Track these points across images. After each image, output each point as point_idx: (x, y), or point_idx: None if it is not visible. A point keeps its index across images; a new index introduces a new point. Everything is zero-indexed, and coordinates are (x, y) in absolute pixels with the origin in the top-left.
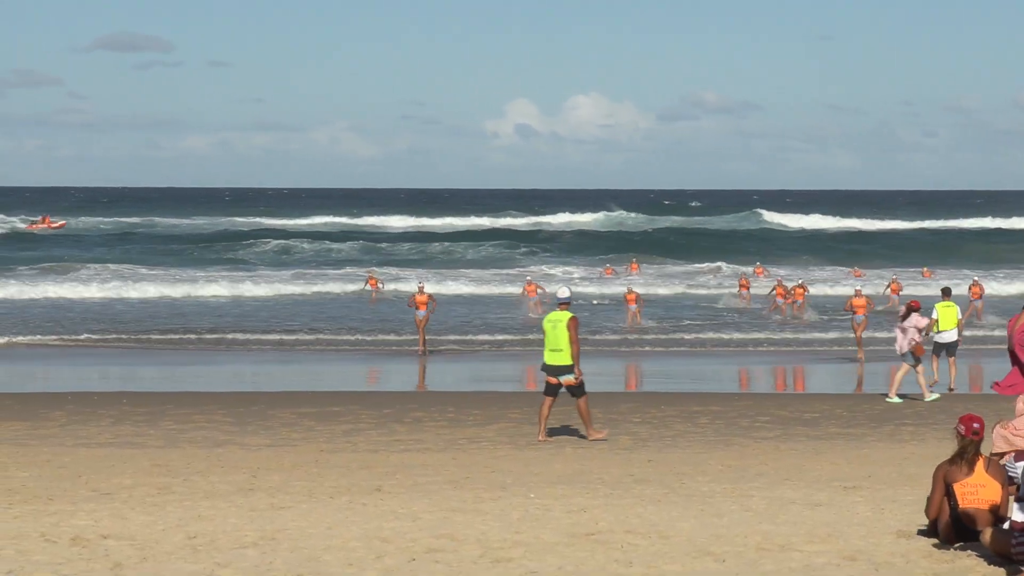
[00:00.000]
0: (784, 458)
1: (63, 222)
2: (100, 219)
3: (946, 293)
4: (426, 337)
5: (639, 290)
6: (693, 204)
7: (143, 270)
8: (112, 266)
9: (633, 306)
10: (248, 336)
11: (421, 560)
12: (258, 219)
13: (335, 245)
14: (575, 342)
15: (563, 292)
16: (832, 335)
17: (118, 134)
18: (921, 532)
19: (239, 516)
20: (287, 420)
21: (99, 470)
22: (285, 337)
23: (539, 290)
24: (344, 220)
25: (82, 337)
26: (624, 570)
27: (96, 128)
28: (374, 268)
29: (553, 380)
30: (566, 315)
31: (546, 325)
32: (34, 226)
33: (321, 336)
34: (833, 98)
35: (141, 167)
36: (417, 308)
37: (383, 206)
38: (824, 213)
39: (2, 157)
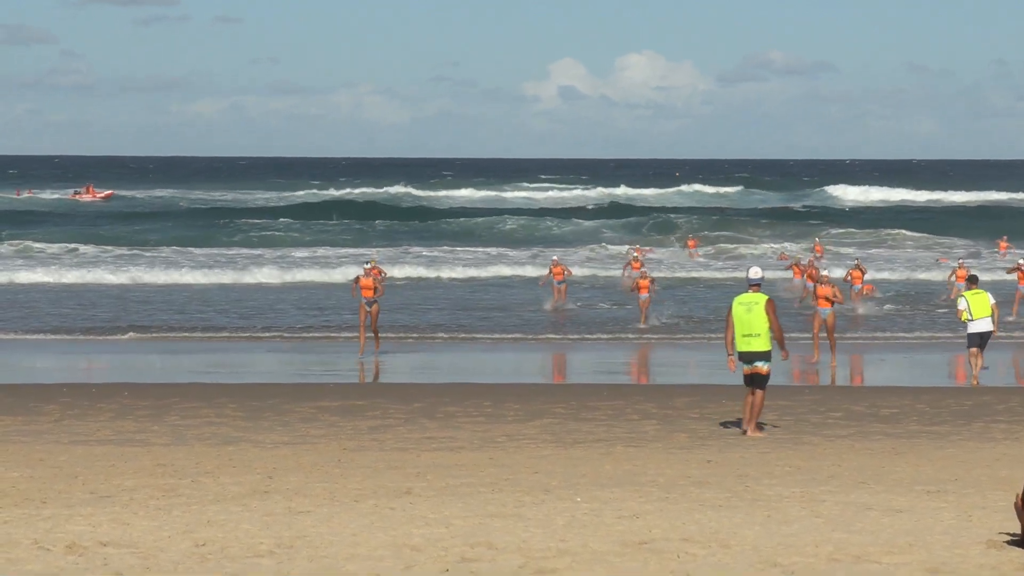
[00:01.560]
0: (859, 459)
1: (110, 192)
2: (136, 192)
3: (972, 280)
4: (378, 331)
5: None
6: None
7: (300, 253)
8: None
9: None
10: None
11: (455, 571)
12: (356, 189)
13: (478, 220)
14: (778, 326)
15: (755, 272)
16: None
17: (118, 98)
18: (1013, 542)
19: (252, 522)
20: (306, 415)
21: (98, 470)
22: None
23: (566, 272)
24: (418, 192)
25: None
26: None
27: (93, 91)
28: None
29: (747, 370)
30: (762, 297)
31: (738, 309)
32: (78, 196)
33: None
34: (916, 57)
35: (145, 134)
36: (362, 295)
37: (432, 176)
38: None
39: None
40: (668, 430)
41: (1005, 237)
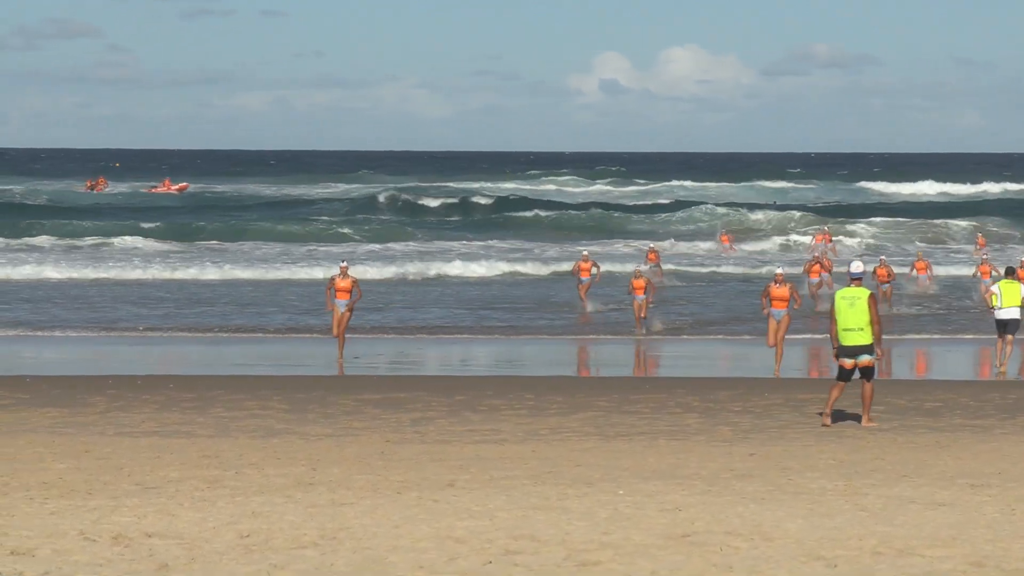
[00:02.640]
0: (902, 452)
1: (184, 184)
2: (208, 185)
3: (1010, 272)
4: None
5: None
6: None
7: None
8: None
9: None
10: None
11: (498, 563)
12: (472, 183)
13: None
14: (878, 320)
15: (856, 267)
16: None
17: (164, 91)
18: None
19: (297, 513)
20: (349, 408)
21: (143, 461)
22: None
23: (594, 269)
24: (526, 186)
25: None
26: (723, 575)
27: (139, 84)
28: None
29: (849, 364)
30: (865, 291)
31: (840, 303)
32: (155, 190)
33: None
34: (959, 50)
35: (191, 127)
36: (336, 297)
37: (514, 170)
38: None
39: (38, 116)
40: (711, 423)
41: (980, 235)
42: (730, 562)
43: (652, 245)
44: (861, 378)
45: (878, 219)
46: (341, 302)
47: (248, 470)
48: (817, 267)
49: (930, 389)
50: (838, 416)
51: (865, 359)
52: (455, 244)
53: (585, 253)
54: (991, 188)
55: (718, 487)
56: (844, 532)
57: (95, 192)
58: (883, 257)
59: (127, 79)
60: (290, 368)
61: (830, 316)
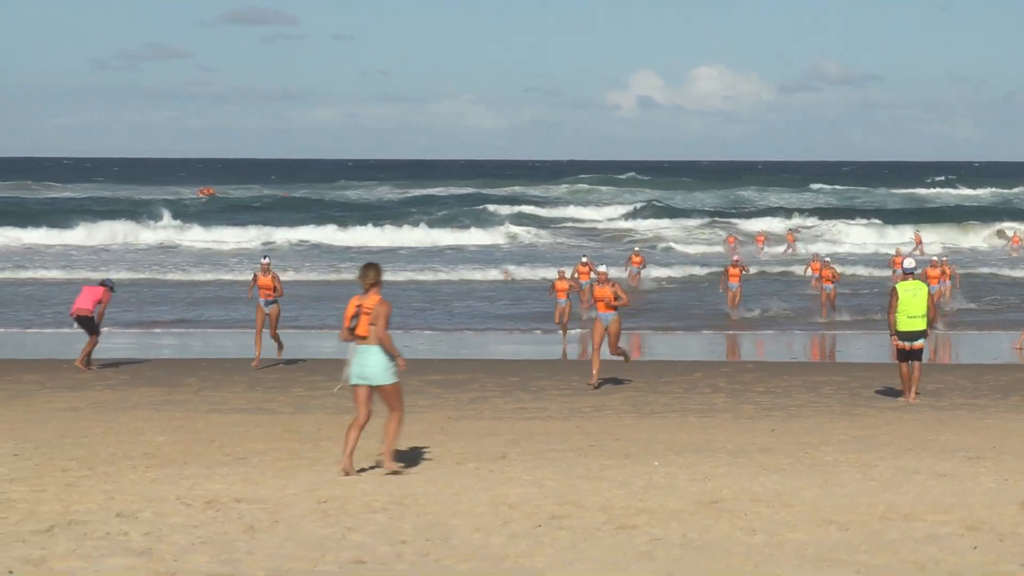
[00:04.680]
0: (908, 428)
1: (210, 189)
2: (349, 191)
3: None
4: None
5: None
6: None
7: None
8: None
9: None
10: None
11: (546, 526)
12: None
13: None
14: (935, 309)
15: (909, 262)
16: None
17: (247, 106)
18: None
19: (368, 482)
20: (414, 388)
21: (232, 435)
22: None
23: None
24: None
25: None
26: (748, 538)
27: (226, 100)
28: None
29: (908, 346)
30: (923, 285)
31: (904, 294)
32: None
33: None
34: (956, 68)
35: (271, 139)
36: (259, 295)
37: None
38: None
39: (137, 129)
40: (736, 402)
41: (918, 231)
42: (754, 526)
43: (637, 248)
44: (912, 360)
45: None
46: (264, 301)
47: (325, 443)
48: (816, 265)
49: (933, 372)
50: (895, 393)
51: (919, 343)
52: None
53: (584, 259)
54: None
55: (743, 459)
56: (855, 500)
57: (203, 198)
58: (827, 259)
59: (214, 96)
60: None
61: (889, 305)
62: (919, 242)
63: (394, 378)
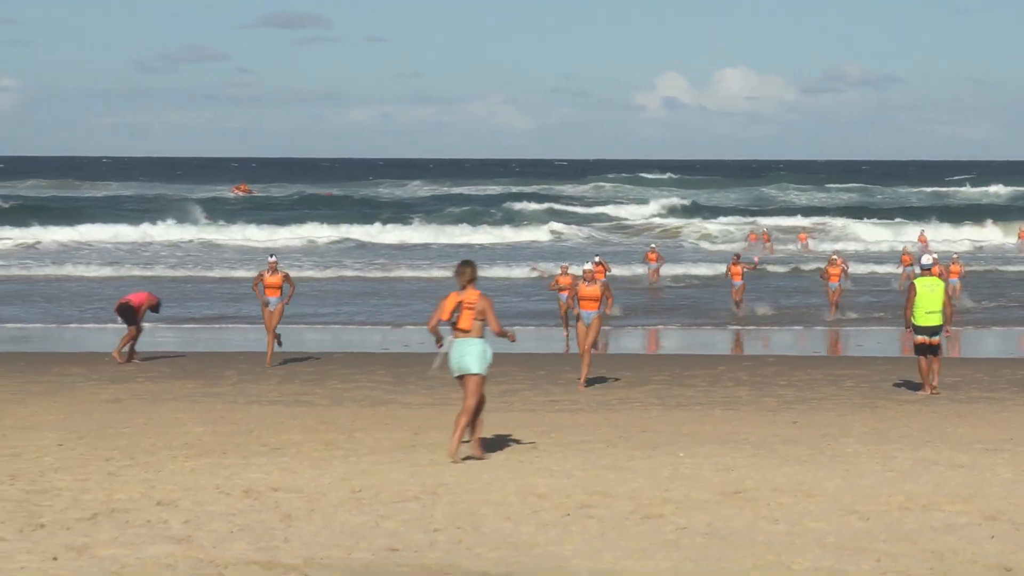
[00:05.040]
0: (927, 421)
1: (245, 186)
2: (402, 190)
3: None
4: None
5: None
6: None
7: None
8: None
9: None
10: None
11: (575, 515)
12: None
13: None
14: (951, 304)
15: (927, 259)
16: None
17: (284, 107)
18: None
19: (401, 471)
20: (447, 380)
21: (269, 426)
22: None
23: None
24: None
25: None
26: (770, 527)
27: (262, 101)
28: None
29: (925, 340)
30: (939, 281)
31: (922, 290)
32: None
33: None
34: (974, 71)
35: (307, 139)
36: (266, 293)
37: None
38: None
39: (177, 129)
40: (759, 395)
41: (923, 231)
42: (776, 516)
43: (653, 245)
44: (930, 354)
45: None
46: (272, 299)
47: (359, 434)
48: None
49: (951, 366)
50: (914, 387)
51: (937, 337)
52: None
53: (597, 258)
54: None
55: (765, 450)
56: (875, 490)
57: (239, 196)
58: (834, 256)
59: (252, 97)
60: (397, 347)
61: (907, 301)
62: (924, 242)
63: (486, 370)
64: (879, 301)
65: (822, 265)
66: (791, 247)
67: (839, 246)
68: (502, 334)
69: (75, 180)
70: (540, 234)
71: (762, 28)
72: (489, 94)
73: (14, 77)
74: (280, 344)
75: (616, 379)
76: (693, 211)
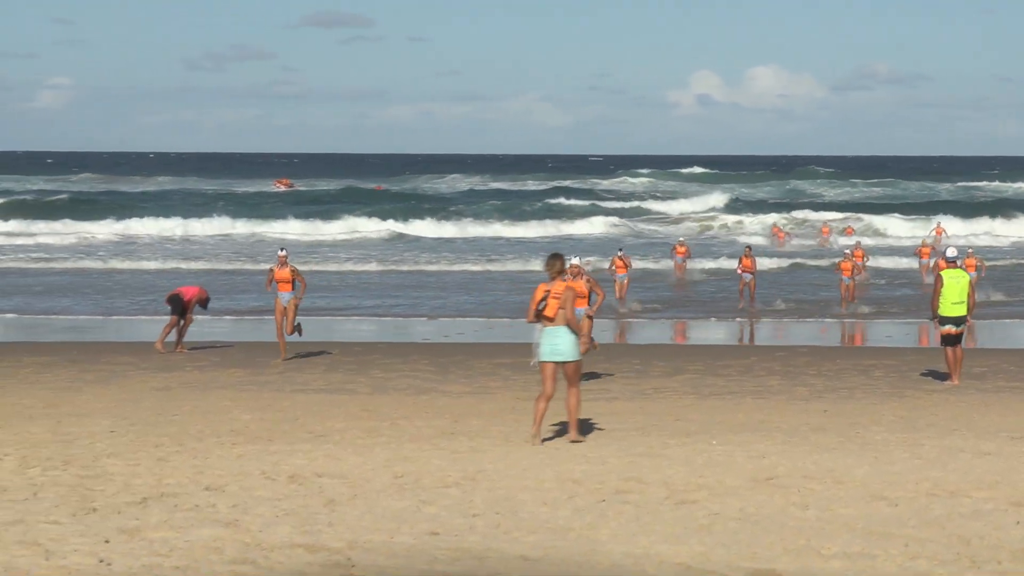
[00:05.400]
0: (954, 410)
1: (287, 180)
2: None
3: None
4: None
5: None
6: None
7: None
8: None
9: None
10: None
11: (610, 501)
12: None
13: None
14: (973, 295)
15: (951, 251)
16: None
17: (329, 105)
18: None
19: (442, 458)
20: (486, 370)
21: (314, 414)
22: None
23: (630, 267)
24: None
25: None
26: (801, 513)
27: (307, 99)
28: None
29: (951, 330)
30: (965, 274)
31: (949, 281)
32: (277, 183)
33: None
34: (1000, 69)
35: (351, 135)
36: (278, 289)
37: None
38: None
39: (225, 126)
40: (790, 384)
41: (939, 223)
42: (807, 501)
43: (681, 239)
44: (954, 344)
45: None
46: (284, 294)
47: (401, 422)
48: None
49: (978, 356)
50: (941, 376)
51: (962, 327)
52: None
53: (620, 251)
54: None
55: (797, 438)
56: (904, 477)
57: (281, 189)
58: (847, 251)
59: (297, 95)
60: (438, 338)
61: (934, 292)
62: (940, 234)
63: (579, 356)
64: (886, 296)
65: (836, 260)
66: (808, 242)
67: (867, 240)
68: (575, 324)
69: (124, 175)
70: (591, 227)
71: (793, 27)
72: (527, 91)
73: (68, 75)
74: (300, 334)
75: (651, 369)
76: (740, 207)
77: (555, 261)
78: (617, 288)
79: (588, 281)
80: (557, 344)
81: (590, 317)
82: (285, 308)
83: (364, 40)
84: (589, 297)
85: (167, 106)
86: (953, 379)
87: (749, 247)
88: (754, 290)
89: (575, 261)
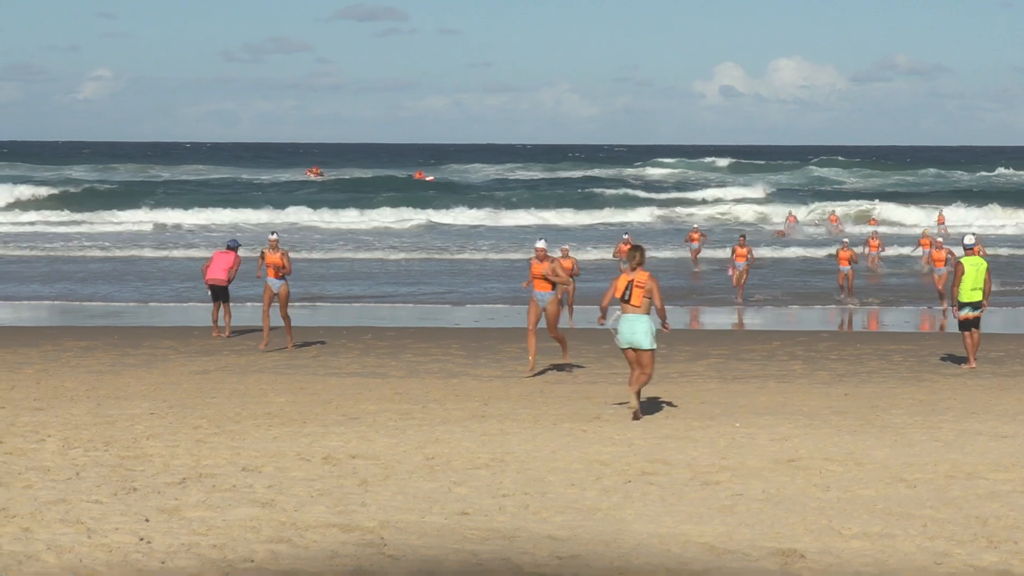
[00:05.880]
0: (971, 393)
1: (317, 169)
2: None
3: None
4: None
5: None
6: None
7: None
8: None
9: None
10: None
11: (636, 482)
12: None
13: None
14: (990, 282)
15: (969, 239)
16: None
17: (364, 96)
18: None
19: (472, 440)
20: (515, 354)
21: (347, 397)
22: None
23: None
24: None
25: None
26: (822, 494)
27: (343, 90)
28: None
29: (969, 315)
30: (983, 261)
31: (969, 268)
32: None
33: None
34: (1019, 60)
35: (385, 125)
36: (268, 274)
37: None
38: None
39: (263, 117)
40: (812, 368)
41: (942, 211)
42: (828, 483)
43: (696, 226)
44: (972, 328)
45: None
46: (273, 280)
47: (432, 405)
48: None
49: (996, 341)
50: (959, 360)
51: (979, 312)
52: None
53: (626, 237)
54: None
55: (818, 421)
56: (922, 459)
57: (314, 178)
58: (846, 240)
59: (333, 86)
60: (469, 323)
61: (955, 279)
62: (942, 222)
63: (654, 344)
64: (884, 284)
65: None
66: (810, 230)
67: (883, 229)
68: (664, 312)
69: (164, 164)
70: (630, 215)
71: (815, 20)
72: (556, 83)
73: (110, 67)
74: (289, 330)
75: (676, 354)
76: (774, 196)
77: (636, 253)
78: (735, 276)
79: (552, 263)
80: (635, 333)
81: (556, 300)
82: (276, 293)
83: (397, 33)
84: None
85: (206, 97)
86: (971, 362)
87: (743, 236)
88: (744, 280)
89: (540, 244)
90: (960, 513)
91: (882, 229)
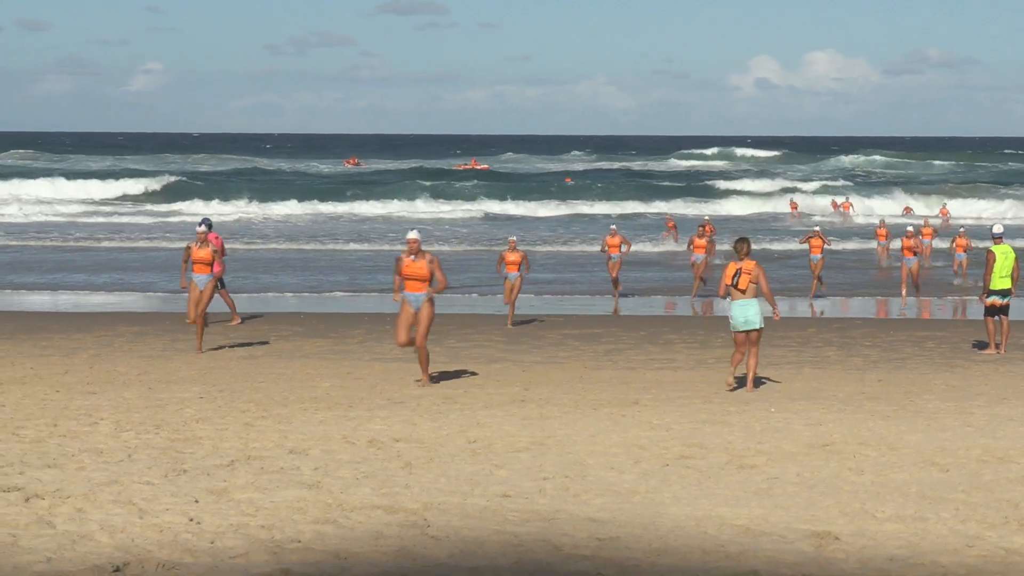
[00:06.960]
0: (1003, 380)
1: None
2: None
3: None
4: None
5: None
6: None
7: None
8: None
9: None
10: None
11: (674, 465)
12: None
13: None
14: (1018, 269)
15: (998, 228)
16: None
17: (406, 88)
18: None
19: (513, 424)
20: (555, 340)
21: (392, 381)
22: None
23: (624, 246)
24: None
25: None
26: (856, 478)
27: (385, 83)
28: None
29: (998, 302)
30: (1011, 249)
31: (999, 257)
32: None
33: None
34: None
35: (427, 117)
36: (194, 270)
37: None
38: None
39: (307, 108)
40: (846, 355)
41: (944, 204)
42: (862, 467)
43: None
44: (1001, 315)
45: None
46: (200, 277)
47: (474, 389)
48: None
49: None
50: (982, 345)
51: (1007, 299)
52: None
53: (613, 228)
54: None
55: (852, 406)
56: (955, 443)
57: (351, 168)
58: (816, 227)
59: (376, 79)
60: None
61: (987, 267)
62: (945, 214)
63: (763, 324)
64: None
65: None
66: (816, 218)
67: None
68: (771, 297)
69: (208, 154)
70: (722, 208)
71: (848, 13)
72: (594, 75)
73: (159, 61)
74: (202, 331)
75: (713, 340)
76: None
77: (742, 244)
78: (611, 267)
79: (431, 262)
80: (749, 315)
81: (431, 300)
82: (200, 293)
83: (438, 27)
84: (430, 281)
85: (252, 89)
86: (1000, 349)
87: (702, 226)
88: (702, 271)
89: (412, 235)
90: (992, 496)
91: (898, 220)
